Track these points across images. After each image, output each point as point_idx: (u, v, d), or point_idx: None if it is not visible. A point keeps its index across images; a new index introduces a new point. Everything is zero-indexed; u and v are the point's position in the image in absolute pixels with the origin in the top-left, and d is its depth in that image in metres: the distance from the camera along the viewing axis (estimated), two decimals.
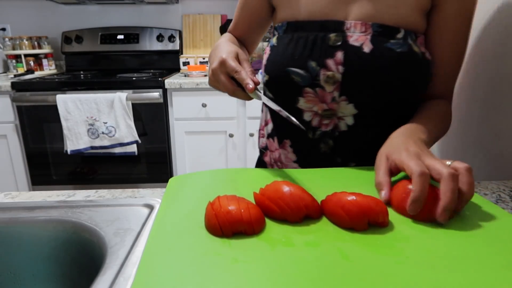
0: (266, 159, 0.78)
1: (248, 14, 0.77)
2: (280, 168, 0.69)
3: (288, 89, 0.65)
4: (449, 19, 0.63)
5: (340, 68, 0.61)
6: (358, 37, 0.60)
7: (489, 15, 0.85)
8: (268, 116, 0.76)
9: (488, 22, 0.86)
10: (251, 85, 0.54)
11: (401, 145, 0.51)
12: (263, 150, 0.79)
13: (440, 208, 0.42)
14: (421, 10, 0.62)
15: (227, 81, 0.57)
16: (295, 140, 0.70)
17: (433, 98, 0.68)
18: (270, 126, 0.75)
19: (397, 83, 0.61)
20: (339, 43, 0.61)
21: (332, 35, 0.61)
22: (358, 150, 0.61)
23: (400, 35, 0.60)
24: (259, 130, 0.81)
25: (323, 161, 0.68)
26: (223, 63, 0.57)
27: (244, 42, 0.81)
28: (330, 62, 0.61)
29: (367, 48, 0.60)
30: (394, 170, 0.51)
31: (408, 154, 0.48)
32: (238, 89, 0.57)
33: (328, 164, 0.68)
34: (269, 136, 0.75)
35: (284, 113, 0.55)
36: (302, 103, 0.66)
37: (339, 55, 0.61)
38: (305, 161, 0.71)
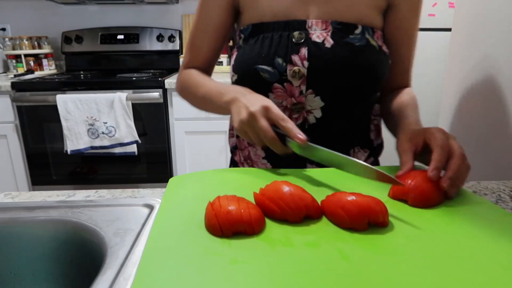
0: (236, 158, 0.79)
1: (213, 30, 0.74)
2: (251, 166, 0.72)
3: (258, 86, 0.67)
4: (404, 17, 0.70)
5: (305, 63, 0.65)
6: (320, 34, 0.65)
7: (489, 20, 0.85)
8: None
9: (486, 26, 0.86)
10: (303, 136, 0.53)
11: (423, 129, 0.57)
12: (233, 150, 0.80)
13: (445, 176, 0.48)
14: (377, 8, 0.68)
15: (269, 127, 0.55)
16: None
17: (397, 88, 0.76)
18: None
19: (358, 75, 0.66)
20: (303, 40, 0.65)
21: (296, 33, 0.65)
22: (326, 143, 0.62)
23: (358, 31, 0.66)
24: (229, 130, 0.82)
25: (292, 156, 0.69)
26: (267, 109, 0.55)
27: (209, 68, 0.79)
28: (295, 58, 0.65)
29: (328, 43, 0.65)
30: (418, 149, 0.56)
31: (439, 130, 0.54)
32: (278, 139, 0.56)
33: (298, 159, 0.69)
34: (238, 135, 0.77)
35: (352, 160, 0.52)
36: (272, 98, 0.69)
37: (303, 51, 0.65)
38: (274, 157, 0.72)
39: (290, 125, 0.55)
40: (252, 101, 0.57)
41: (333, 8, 0.66)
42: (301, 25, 0.66)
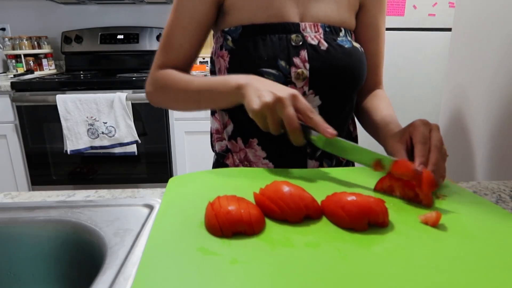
0: (228, 161, 0.77)
1: (196, 28, 0.70)
2: (257, 167, 0.71)
3: None
4: (372, 15, 0.75)
5: (307, 65, 0.67)
6: (314, 37, 0.68)
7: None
8: (226, 118, 0.75)
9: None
10: (333, 131, 0.53)
11: (407, 126, 0.59)
12: (223, 154, 0.78)
13: (428, 168, 0.51)
14: (354, 11, 0.73)
15: (295, 116, 0.53)
16: (263, 138, 0.72)
17: (370, 88, 0.80)
18: (230, 128, 0.75)
19: (350, 75, 0.70)
20: (301, 43, 0.67)
21: (293, 36, 0.67)
22: None
23: (342, 33, 0.70)
24: (213, 134, 0.80)
25: (294, 153, 0.71)
26: (296, 98, 0.54)
27: (189, 68, 0.75)
28: (297, 60, 0.67)
29: (323, 46, 0.68)
30: (409, 146, 0.58)
31: (422, 124, 0.57)
32: (301, 130, 0.55)
33: (299, 156, 0.72)
34: (231, 138, 0.75)
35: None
36: None
37: (303, 53, 0.67)
38: (276, 156, 0.73)
39: (319, 119, 0.54)
40: (276, 87, 0.56)
41: (321, 12, 0.69)
42: (296, 27, 0.67)
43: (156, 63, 0.73)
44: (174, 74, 0.70)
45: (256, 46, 0.67)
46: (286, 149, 0.70)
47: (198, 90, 0.66)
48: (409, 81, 2.01)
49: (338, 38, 0.69)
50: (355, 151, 0.55)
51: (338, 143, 0.55)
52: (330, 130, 0.53)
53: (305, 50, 0.67)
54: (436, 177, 0.51)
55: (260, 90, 0.56)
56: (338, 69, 0.68)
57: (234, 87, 0.60)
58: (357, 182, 0.56)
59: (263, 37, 0.67)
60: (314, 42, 0.67)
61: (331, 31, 0.69)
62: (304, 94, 0.68)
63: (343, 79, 0.69)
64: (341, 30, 0.70)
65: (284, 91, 0.55)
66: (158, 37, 2.30)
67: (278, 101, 0.53)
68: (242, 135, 0.74)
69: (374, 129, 0.72)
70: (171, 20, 0.71)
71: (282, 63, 0.66)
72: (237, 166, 0.76)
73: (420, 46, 1.97)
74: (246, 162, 0.75)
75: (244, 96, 0.58)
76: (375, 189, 0.54)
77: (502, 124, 0.79)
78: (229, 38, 0.69)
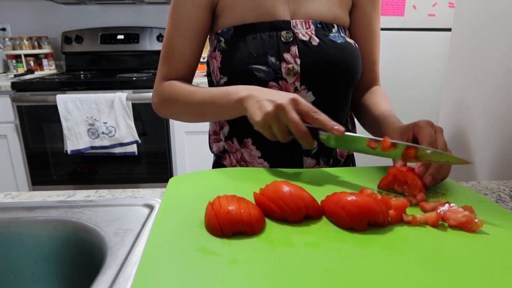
0: (226, 162, 0.78)
1: (195, 35, 0.71)
2: (255, 167, 0.71)
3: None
4: (366, 13, 0.75)
5: (297, 60, 0.67)
6: (305, 33, 0.68)
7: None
8: (222, 120, 0.76)
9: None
10: (341, 127, 0.52)
11: (411, 124, 0.58)
12: (220, 154, 0.79)
13: (427, 173, 0.52)
14: (347, 8, 0.74)
15: (300, 120, 0.53)
16: (257, 137, 0.71)
17: (367, 85, 0.80)
18: (226, 129, 0.75)
19: (343, 70, 0.70)
20: (291, 39, 0.67)
21: (283, 33, 0.68)
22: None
23: (334, 30, 0.70)
24: (211, 135, 0.80)
25: (288, 151, 0.72)
26: (296, 101, 0.54)
27: (192, 77, 0.76)
28: (287, 56, 0.67)
29: (314, 42, 0.68)
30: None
31: (428, 124, 0.56)
32: (309, 132, 0.54)
33: (295, 154, 0.72)
34: (227, 138, 0.76)
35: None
36: None
37: (293, 49, 0.67)
38: (271, 155, 0.73)
39: (324, 117, 0.53)
40: (276, 95, 0.56)
41: (312, 8, 0.69)
42: (286, 24, 0.68)
43: (159, 74, 0.74)
44: (178, 87, 0.70)
45: (247, 45, 0.67)
46: (280, 147, 0.70)
47: (202, 104, 0.67)
48: (409, 81, 2.01)
49: (330, 34, 0.69)
50: (363, 141, 0.54)
51: (349, 139, 0.54)
52: (338, 127, 0.53)
53: (296, 46, 0.67)
54: (434, 180, 0.52)
55: (261, 100, 0.56)
56: (330, 63, 0.68)
57: (235, 101, 0.61)
58: (357, 182, 0.56)
59: (254, 35, 0.67)
60: (305, 38, 0.67)
61: (322, 27, 0.69)
62: (296, 89, 0.68)
63: (336, 74, 0.69)
64: (333, 27, 0.70)
65: (283, 97, 0.55)
66: (158, 37, 2.30)
67: (279, 108, 0.53)
68: (237, 135, 0.74)
69: (373, 123, 0.72)
70: (169, 30, 0.72)
71: (272, 59, 0.67)
72: (234, 166, 0.77)
73: (420, 46, 1.97)
74: (243, 162, 0.75)
75: (247, 110, 0.58)
76: (379, 187, 0.54)
77: (502, 124, 0.79)
78: (222, 39, 0.70)
